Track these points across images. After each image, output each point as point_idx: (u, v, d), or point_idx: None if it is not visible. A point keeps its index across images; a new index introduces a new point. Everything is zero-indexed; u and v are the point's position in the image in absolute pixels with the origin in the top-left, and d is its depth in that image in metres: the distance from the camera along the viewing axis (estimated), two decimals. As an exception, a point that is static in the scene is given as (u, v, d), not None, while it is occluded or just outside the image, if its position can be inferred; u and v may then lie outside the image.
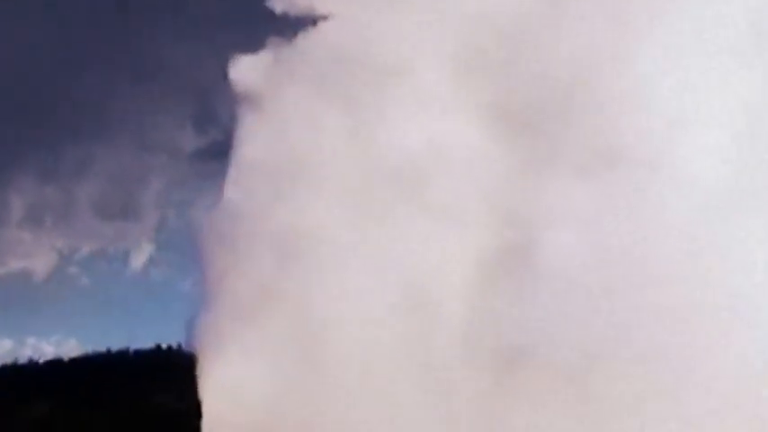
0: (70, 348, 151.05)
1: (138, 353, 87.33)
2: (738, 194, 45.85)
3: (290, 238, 53.12)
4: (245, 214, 55.42)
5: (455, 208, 50.94)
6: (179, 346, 75.42)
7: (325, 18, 53.07)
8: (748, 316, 44.56)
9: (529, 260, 48.98)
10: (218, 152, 59.78)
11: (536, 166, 49.07)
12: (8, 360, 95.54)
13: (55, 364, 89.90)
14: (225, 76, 60.08)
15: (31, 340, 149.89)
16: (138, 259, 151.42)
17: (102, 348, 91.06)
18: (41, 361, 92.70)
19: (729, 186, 45.92)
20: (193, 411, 51.62)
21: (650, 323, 44.91)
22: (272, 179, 55.55)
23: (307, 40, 53.66)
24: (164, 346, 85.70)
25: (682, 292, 45.24)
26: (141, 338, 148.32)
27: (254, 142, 57.10)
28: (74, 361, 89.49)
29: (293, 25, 54.92)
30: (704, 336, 44.65)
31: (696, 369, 44.01)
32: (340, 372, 48.71)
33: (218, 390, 51.25)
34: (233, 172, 56.90)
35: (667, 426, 42.85)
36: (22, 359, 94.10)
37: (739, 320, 44.54)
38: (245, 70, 58.04)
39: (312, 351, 50.31)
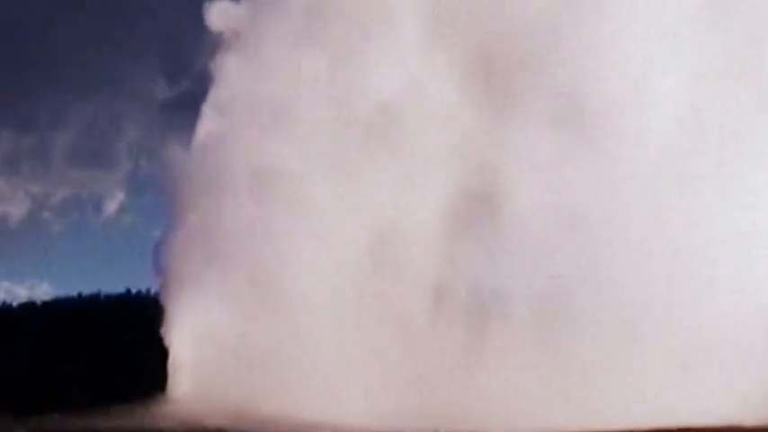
0: (43, 292, 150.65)
1: (109, 297, 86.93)
2: (699, 142, 45.80)
3: (260, 178, 52.74)
4: (218, 152, 54.88)
5: (426, 156, 50.70)
6: (148, 291, 75.29)
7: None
8: (712, 261, 44.63)
9: (497, 209, 48.85)
10: (191, 102, 59.11)
11: (506, 115, 48.94)
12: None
13: (28, 308, 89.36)
14: (200, 22, 58.94)
15: (4, 284, 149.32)
16: (111, 206, 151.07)
17: (73, 293, 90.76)
18: (15, 304, 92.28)
19: (692, 136, 45.86)
20: (160, 354, 51.59)
21: (618, 271, 44.89)
22: (247, 119, 54.94)
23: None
24: (133, 291, 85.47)
25: (646, 239, 45.21)
26: (112, 283, 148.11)
27: (230, 83, 56.55)
28: (46, 305, 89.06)
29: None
30: (670, 281, 44.70)
31: (663, 315, 44.09)
32: (304, 316, 48.59)
33: (183, 332, 51.13)
34: (208, 111, 56.25)
35: (641, 373, 42.94)
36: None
37: (702, 266, 44.61)
38: (224, 14, 57.27)
39: (276, 294, 50.26)
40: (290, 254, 50.42)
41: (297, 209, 51.04)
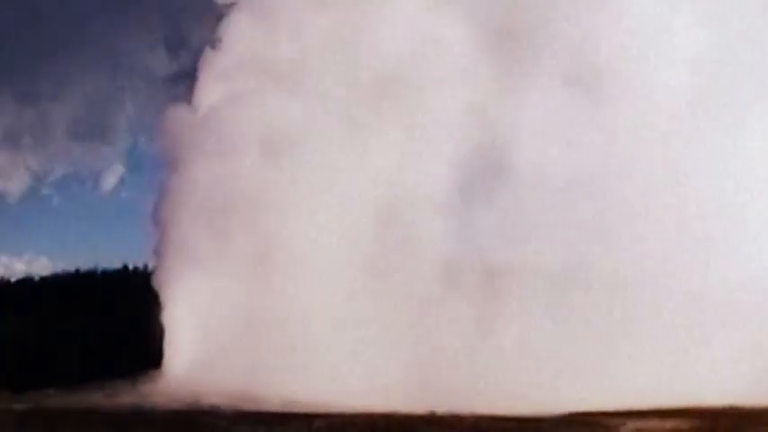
0: (41, 267, 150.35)
1: (106, 273, 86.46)
2: (711, 105, 44.93)
3: (265, 140, 51.51)
4: (221, 112, 53.66)
5: (437, 118, 49.49)
6: (146, 266, 74.59)
7: None
8: (725, 227, 43.65)
9: (509, 172, 47.82)
10: (190, 77, 58.12)
11: (518, 76, 47.71)
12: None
13: (25, 282, 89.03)
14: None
15: (3, 258, 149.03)
16: (110, 181, 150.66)
17: (71, 268, 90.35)
18: (12, 279, 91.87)
19: (702, 98, 44.98)
20: (157, 330, 50.79)
21: (631, 234, 43.84)
22: (252, 80, 53.62)
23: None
24: (131, 266, 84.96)
25: (658, 201, 44.20)
26: (110, 258, 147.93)
27: (234, 47, 55.20)
28: (43, 280, 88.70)
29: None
30: (682, 245, 43.72)
31: (675, 278, 43.01)
32: (307, 290, 47.54)
33: (181, 307, 50.21)
34: (211, 75, 54.99)
35: (652, 337, 41.91)
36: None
37: (725, 226, 43.63)
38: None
39: (278, 267, 49.12)
40: (296, 224, 49.31)
41: (300, 176, 49.96)
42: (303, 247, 49.08)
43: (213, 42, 56.80)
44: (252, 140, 51.62)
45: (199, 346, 50.31)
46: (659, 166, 45.65)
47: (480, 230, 49.10)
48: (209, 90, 54.67)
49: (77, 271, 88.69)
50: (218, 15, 56.74)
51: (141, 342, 54.61)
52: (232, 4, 56.82)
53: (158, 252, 55.03)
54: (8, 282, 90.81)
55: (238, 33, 54.85)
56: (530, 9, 47.96)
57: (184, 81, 57.90)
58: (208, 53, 55.56)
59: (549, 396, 38.93)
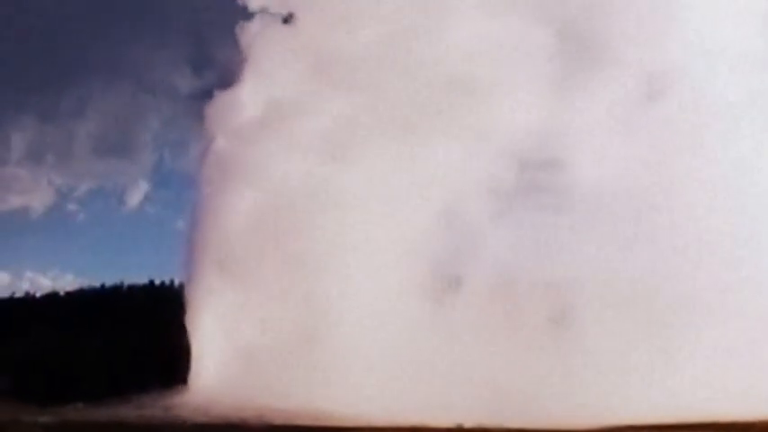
0: (67, 283, 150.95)
1: (132, 288, 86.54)
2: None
3: (314, 147, 50.98)
4: (266, 115, 53.24)
5: (494, 127, 49.08)
6: (171, 281, 74.78)
7: None
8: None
9: (569, 181, 47.75)
10: (213, 93, 58.23)
11: (582, 84, 47.62)
12: (5, 294, 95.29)
13: (51, 298, 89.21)
14: (226, 12, 57.49)
15: (28, 274, 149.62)
16: (134, 197, 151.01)
17: (96, 284, 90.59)
18: (38, 294, 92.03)
19: (760, 112, 45.10)
20: (184, 345, 50.83)
21: (686, 254, 43.86)
22: (296, 85, 53.05)
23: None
24: (157, 281, 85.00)
25: (723, 214, 44.20)
26: (136, 274, 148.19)
27: (278, 46, 54.73)
28: (69, 295, 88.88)
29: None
30: (733, 264, 43.62)
31: (731, 294, 42.95)
32: (338, 304, 47.23)
33: (207, 323, 50.24)
34: (250, 78, 54.58)
35: (728, 361, 41.78)
36: (20, 293, 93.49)
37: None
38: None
39: (313, 282, 48.82)
40: (340, 238, 49.30)
41: (352, 186, 49.97)
42: (345, 261, 49.14)
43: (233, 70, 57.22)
44: (297, 142, 51.77)
45: (227, 360, 50.42)
46: (714, 185, 46.25)
47: (538, 241, 49.21)
48: (254, 99, 54.99)
49: (103, 286, 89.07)
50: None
51: (167, 356, 54.77)
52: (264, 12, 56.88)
53: (187, 268, 55.36)
54: (34, 297, 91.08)
55: (292, 38, 54.91)
56: (595, 16, 48.35)
57: (208, 99, 57.96)
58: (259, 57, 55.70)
59: (605, 411, 38.88)
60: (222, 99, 55.86)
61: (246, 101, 55.13)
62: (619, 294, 45.58)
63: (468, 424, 35.70)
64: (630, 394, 40.96)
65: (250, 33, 56.39)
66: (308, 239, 50.29)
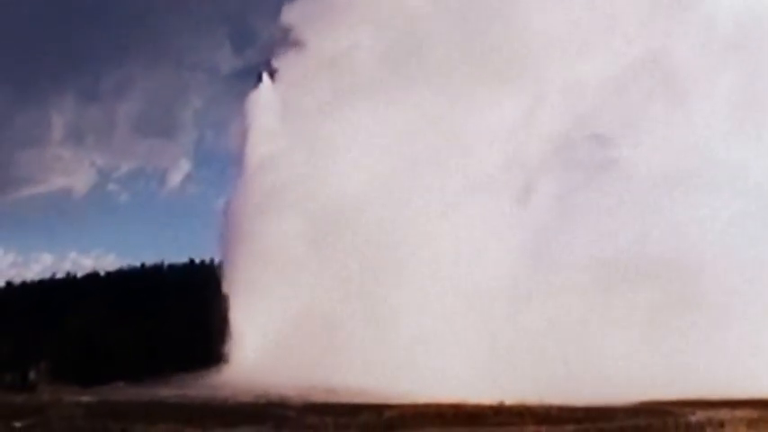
0: (109, 262, 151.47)
1: (173, 267, 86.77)
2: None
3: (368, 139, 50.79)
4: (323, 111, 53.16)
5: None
6: (212, 261, 74.76)
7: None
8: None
9: (620, 173, 48.07)
10: (255, 72, 58.27)
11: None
12: (47, 274, 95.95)
13: (92, 278, 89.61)
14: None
15: (72, 255, 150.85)
16: (176, 177, 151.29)
17: (137, 263, 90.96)
18: (79, 275, 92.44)
19: None
20: (224, 324, 50.84)
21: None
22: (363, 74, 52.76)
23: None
24: (197, 261, 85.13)
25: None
26: (176, 253, 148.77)
27: (340, 38, 54.62)
28: (110, 275, 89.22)
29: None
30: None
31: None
32: (396, 285, 47.09)
33: (247, 301, 50.19)
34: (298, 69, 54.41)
35: (728, 330, 41.55)
36: (61, 273, 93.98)
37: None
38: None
39: (360, 264, 48.71)
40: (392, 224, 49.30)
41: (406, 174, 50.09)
42: (395, 240, 49.00)
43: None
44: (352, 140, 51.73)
45: (267, 338, 50.44)
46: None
47: (586, 222, 49.29)
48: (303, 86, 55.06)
49: (143, 266, 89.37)
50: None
51: (208, 336, 54.84)
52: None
53: (228, 247, 55.44)
54: (75, 277, 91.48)
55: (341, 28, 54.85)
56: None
57: (249, 78, 58.06)
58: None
59: (656, 389, 38.52)
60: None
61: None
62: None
63: (509, 401, 35.32)
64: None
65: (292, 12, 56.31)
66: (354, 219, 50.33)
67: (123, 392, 46.44)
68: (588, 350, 43.51)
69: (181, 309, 64.37)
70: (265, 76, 58.06)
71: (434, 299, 47.52)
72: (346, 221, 50.26)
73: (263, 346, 50.55)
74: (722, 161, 48.22)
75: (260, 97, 57.66)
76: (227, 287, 53.10)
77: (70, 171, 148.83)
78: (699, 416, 30.61)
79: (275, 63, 57.22)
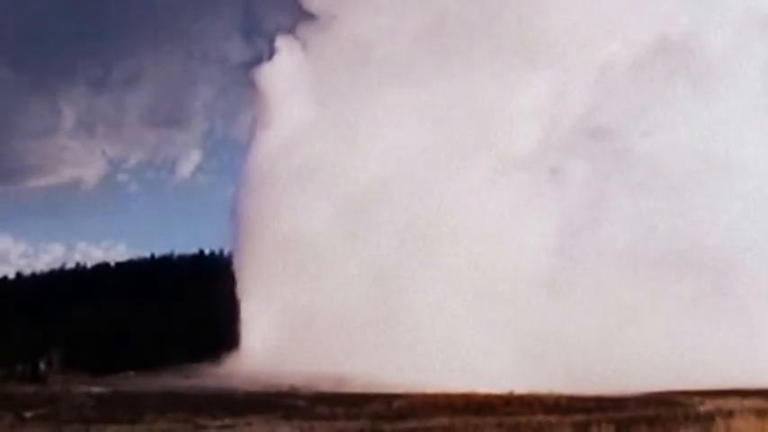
0: (119, 253, 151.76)
1: (182, 258, 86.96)
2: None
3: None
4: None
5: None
6: (221, 251, 74.93)
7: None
8: None
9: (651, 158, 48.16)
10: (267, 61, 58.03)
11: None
12: (57, 265, 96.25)
13: (101, 269, 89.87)
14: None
15: (81, 245, 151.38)
16: (186, 167, 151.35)
17: (147, 254, 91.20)
18: (89, 265, 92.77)
19: None
20: (233, 313, 50.89)
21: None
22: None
23: None
24: (206, 251, 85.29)
25: None
26: (186, 244, 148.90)
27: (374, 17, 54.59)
28: (119, 265, 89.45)
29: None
30: None
31: None
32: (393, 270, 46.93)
33: (256, 291, 50.17)
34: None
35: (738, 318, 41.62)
36: (71, 264, 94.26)
37: None
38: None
39: (371, 254, 48.56)
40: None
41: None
42: (410, 228, 48.95)
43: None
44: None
45: (274, 328, 50.48)
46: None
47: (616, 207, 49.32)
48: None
49: (153, 256, 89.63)
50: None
51: (217, 326, 54.94)
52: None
53: (238, 237, 55.48)
54: (84, 268, 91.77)
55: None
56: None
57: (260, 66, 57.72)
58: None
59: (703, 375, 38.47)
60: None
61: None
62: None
63: (519, 390, 35.33)
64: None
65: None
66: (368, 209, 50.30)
67: (133, 382, 46.51)
68: (612, 340, 43.44)
69: (191, 299, 64.54)
70: (287, 55, 57.66)
71: (457, 288, 47.37)
72: (373, 206, 50.13)
73: (273, 337, 50.59)
74: (755, 147, 48.07)
75: (282, 76, 57.24)
76: (238, 276, 53.13)
77: (80, 161, 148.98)
78: (708, 406, 30.62)
79: (300, 42, 56.94)
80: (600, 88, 52.27)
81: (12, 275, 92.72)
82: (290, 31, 57.88)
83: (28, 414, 28.45)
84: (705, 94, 49.98)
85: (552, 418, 26.22)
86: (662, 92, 51.21)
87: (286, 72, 56.93)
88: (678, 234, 46.79)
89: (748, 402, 30.60)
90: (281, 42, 57.62)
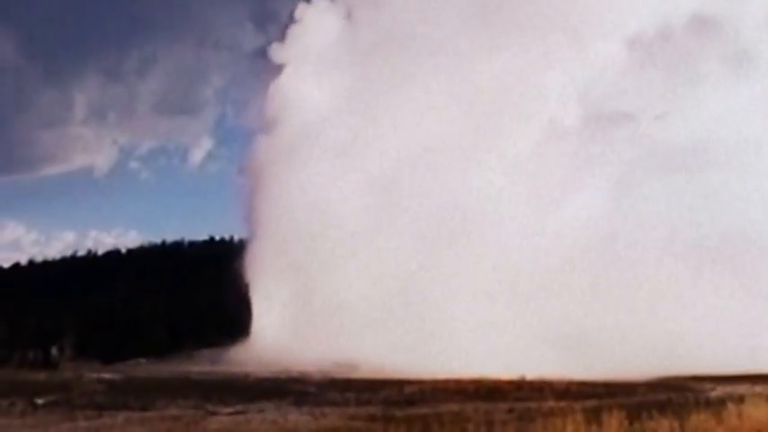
0: (131, 240, 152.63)
1: (193, 244, 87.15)
2: None
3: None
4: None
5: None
6: (232, 238, 75.10)
7: None
8: None
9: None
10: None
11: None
12: (69, 252, 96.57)
13: (113, 256, 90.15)
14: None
15: (93, 232, 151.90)
16: (197, 155, 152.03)
17: (158, 240, 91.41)
18: (100, 252, 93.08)
19: None
20: (245, 300, 50.92)
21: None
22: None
23: None
24: (217, 237, 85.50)
25: None
26: (196, 230, 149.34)
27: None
28: (131, 252, 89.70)
29: None
30: None
31: None
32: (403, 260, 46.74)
33: (267, 277, 50.09)
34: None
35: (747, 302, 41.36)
36: (83, 251, 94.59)
37: None
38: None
39: (381, 239, 48.30)
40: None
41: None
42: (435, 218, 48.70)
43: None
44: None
45: (286, 315, 50.44)
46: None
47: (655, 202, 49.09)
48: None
49: (164, 243, 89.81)
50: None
51: (228, 312, 55.05)
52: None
53: (250, 224, 55.47)
54: (96, 255, 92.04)
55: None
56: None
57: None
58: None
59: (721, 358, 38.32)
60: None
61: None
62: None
63: (529, 376, 35.27)
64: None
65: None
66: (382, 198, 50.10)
67: (145, 369, 46.67)
68: (623, 324, 43.15)
69: (201, 285, 64.67)
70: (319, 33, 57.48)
71: (473, 274, 46.97)
72: (393, 192, 49.79)
73: (284, 323, 50.55)
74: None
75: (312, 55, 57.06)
76: (249, 262, 53.05)
77: (92, 149, 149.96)
78: (719, 391, 30.50)
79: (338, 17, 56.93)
80: (636, 67, 51.88)
81: (24, 263, 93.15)
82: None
83: (40, 400, 28.54)
84: (748, 74, 49.79)
85: (563, 404, 26.17)
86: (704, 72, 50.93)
87: (317, 49, 56.91)
88: (710, 220, 46.37)
89: (759, 388, 30.52)
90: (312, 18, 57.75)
